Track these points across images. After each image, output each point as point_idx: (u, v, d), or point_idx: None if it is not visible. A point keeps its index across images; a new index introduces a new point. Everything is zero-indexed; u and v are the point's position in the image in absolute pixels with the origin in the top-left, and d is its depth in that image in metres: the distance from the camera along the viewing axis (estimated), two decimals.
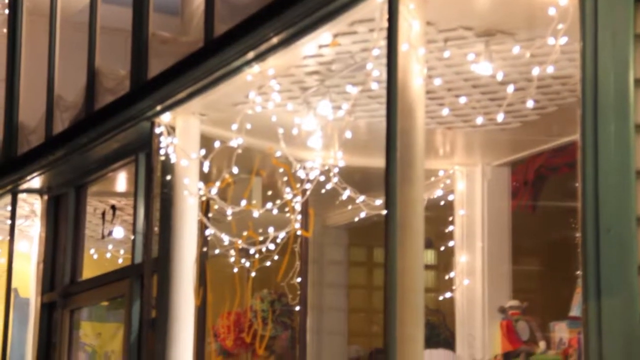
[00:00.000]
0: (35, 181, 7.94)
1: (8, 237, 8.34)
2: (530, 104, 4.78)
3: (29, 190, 8.10)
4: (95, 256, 7.86)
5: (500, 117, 4.93)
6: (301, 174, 5.97)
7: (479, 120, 5.53)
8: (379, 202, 5.69)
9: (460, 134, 6.27)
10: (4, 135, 8.37)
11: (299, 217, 6.03)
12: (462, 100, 5.48)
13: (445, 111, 5.60)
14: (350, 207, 6.18)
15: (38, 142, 7.83)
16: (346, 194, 6.02)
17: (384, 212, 4.75)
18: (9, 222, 8.28)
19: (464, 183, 6.76)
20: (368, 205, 6.05)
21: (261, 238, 6.11)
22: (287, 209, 6.03)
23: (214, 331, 6.65)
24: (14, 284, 8.33)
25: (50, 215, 7.95)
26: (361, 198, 6.06)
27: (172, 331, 6.31)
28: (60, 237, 7.78)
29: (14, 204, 8.23)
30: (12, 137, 8.26)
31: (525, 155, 6.44)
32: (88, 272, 7.67)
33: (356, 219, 6.31)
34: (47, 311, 7.78)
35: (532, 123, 5.88)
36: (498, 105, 5.41)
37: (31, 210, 8.29)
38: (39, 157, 7.71)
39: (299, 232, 6.03)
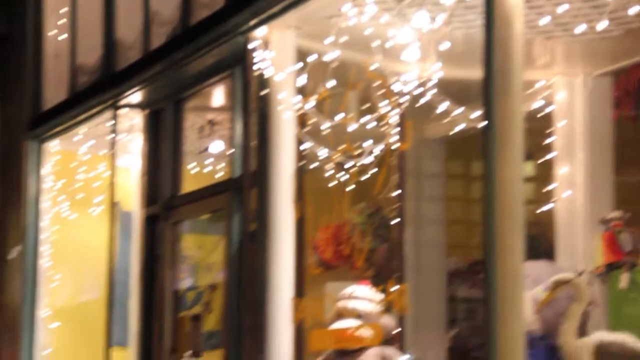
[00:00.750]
0: (135, 96, 7.93)
1: (110, 152, 8.39)
2: (633, 10, 4.59)
3: (129, 106, 8.09)
4: (194, 170, 7.85)
5: (601, 25, 4.75)
6: (397, 86, 5.84)
7: (580, 28, 5.35)
8: (477, 114, 5.54)
9: (560, 44, 6.09)
10: (103, 51, 8.35)
11: (396, 130, 5.91)
12: (562, 8, 5.29)
13: (544, 20, 5.43)
14: (447, 119, 6.04)
15: (136, 57, 7.79)
16: (443, 106, 5.89)
17: (482, 124, 4.63)
18: (111, 137, 8.30)
19: (564, 94, 6.58)
20: (466, 118, 5.91)
21: (358, 152, 6.03)
22: (383, 122, 5.92)
23: (313, 244, 6.61)
24: (117, 198, 8.38)
25: (150, 130, 7.93)
26: (459, 110, 5.92)
27: (272, 244, 6.31)
28: (160, 151, 7.77)
29: (114, 119, 8.24)
30: (111, 53, 8.24)
31: (627, 64, 6.24)
32: (188, 186, 7.67)
33: (454, 132, 6.17)
34: (150, 224, 7.80)
35: (635, 30, 5.66)
36: (600, 12, 5.21)
37: (131, 125, 8.29)
38: (137, 72, 7.68)
39: (395, 145, 5.92)
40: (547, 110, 6.54)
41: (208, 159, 7.74)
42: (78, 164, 9.18)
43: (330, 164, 6.15)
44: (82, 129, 8.88)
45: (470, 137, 5.85)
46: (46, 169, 9.21)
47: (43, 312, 9.10)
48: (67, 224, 9.27)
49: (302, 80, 6.01)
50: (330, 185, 6.17)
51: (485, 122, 4.58)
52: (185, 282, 8.05)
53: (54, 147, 9.25)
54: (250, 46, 6.26)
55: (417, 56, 5.60)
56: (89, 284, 9.28)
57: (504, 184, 4.61)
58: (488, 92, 4.57)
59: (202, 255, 8.39)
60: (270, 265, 6.28)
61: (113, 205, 8.39)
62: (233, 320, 6.71)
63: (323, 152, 6.16)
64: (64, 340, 9.17)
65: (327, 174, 6.18)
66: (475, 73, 4.75)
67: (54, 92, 9.14)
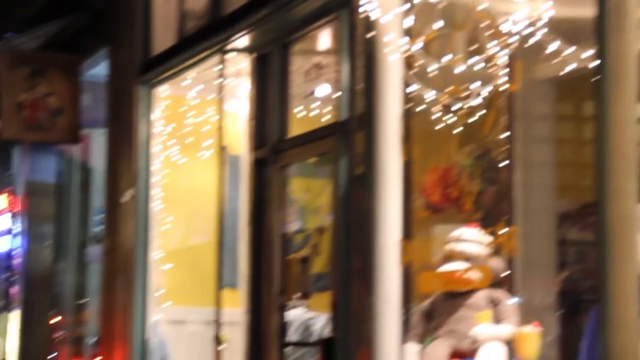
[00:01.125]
0: (242, 41, 7.89)
1: (218, 96, 8.39)
2: None
3: (236, 50, 8.07)
4: (301, 114, 7.80)
5: None
6: (506, 26, 5.69)
7: None
8: (588, 53, 5.36)
9: None
10: None
11: (505, 71, 5.77)
12: None
13: None
14: (558, 59, 5.87)
15: (243, 1, 7.74)
16: (554, 46, 5.72)
17: (594, 63, 4.49)
18: (219, 81, 8.30)
19: None
20: (577, 57, 5.73)
21: (465, 93, 5.91)
22: (491, 63, 5.78)
23: (421, 187, 6.52)
24: (225, 142, 8.39)
25: (257, 74, 7.90)
26: (570, 50, 5.74)
27: (379, 187, 6.25)
28: (268, 95, 7.74)
29: (222, 63, 8.22)
30: None
31: None
32: (295, 129, 7.63)
33: (564, 72, 5.99)
34: (258, 168, 7.80)
35: None
36: None
37: (239, 70, 8.26)
38: (244, 16, 7.64)
39: (504, 87, 5.78)
40: None
41: (315, 102, 7.69)
42: (187, 109, 9.21)
43: (437, 106, 6.04)
44: (191, 74, 8.90)
45: (582, 77, 5.68)
46: (156, 114, 9.26)
47: (155, 254, 9.20)
48: (177, 168, 9.33)
49: (409, 21, 5.89)
50: (438, 127, 6.06)
51: (598, 62, 4.45)
52: (293, 225, 8.05)
53: (163, 92, 9.30)
54: None
55: None
56: (199, 227, 9.35)
57: (616, 125, 4.49)
58: (601, 30, 4.44)
59: (309, 198, 8.37)
60: (378, 208, 6.23)
61: (221, 149, 8.40)
62: (341, 263, 6.69)
63: (430, 95, 6.04)
64: (176, 282, 9.27)
65: (434, 117, 6.07)
66: (587, 11, 4.60)
67: (163, 37, 9.16)
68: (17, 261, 12.43)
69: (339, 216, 6.75)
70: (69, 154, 11.88)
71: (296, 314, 7.95)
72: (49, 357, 11.76)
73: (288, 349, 7.63)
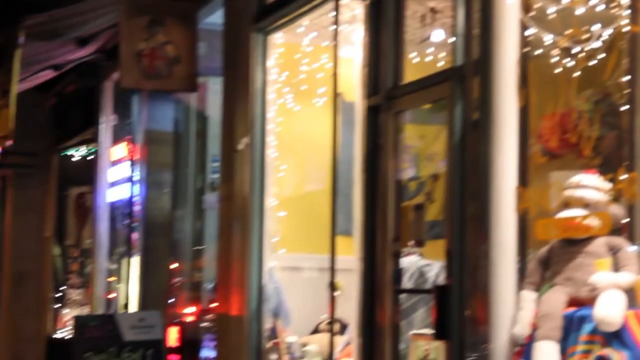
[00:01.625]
0: None
1: (332, 43, 8.29)
2: None
3: None
4: (416, 60, 7.66)
5: None
6: None
7: None
8: None
9: None
10: None
11: (627, 12, 5.53)
12: None
13: None
14: None
15: None
16: None
17: None
18: (333, 28, 8.19)
19: None
20: None
21: (585, 36, 5.69)
22: (613, 4, 5.55)
23: (538, 132, 6.34)
24: (339, 89, 8.31)
25: (371, 20, 7.74)
26: None
27: (495, 133, 6.10)
28: (382, 41, 7.60)
29: (336, 10, 8.11)
30: None
31: None
32: (409, 76, 7.50)
33: None
34: (372, 114, 7.69)
35: None
36: None
37: (353, 16, 8.14)
38: None
39: (626, 28, 5.55)
40: None
41: (429, 47, 7.54)
42: (301, 56, 9.15)
43: (556, 49, 5.85)
44: (305, 21, 8.81)
45: None
46: (271, 62, 9.21)
47: (270, 201, 9.19)
48: (291, 116, 9.29)
49: None
50: (556, 71, 5.88)
51: None
52: (407, 172, 7.94)
53: (278, 39, 9.23)
54: None
55: None
56: (313, 174, 9.32)
57: None
58: None
59: (423, 145, 8.24)
60: (494, 154, 6.08)
61: (335, 96, 8.32)
62: (455, 210, 6.58)
63: (548, 38, 5.85)
64: (291, 229, 9.27)
65: (552, 60, 5.89)
66: None
67: None
68: (137, 208, 12.57)
69: (453, 163, 6.63)
70: (186, 102, 11.93)
71: (410, 261, 7.86)
72: (168, 302, 11.89)
73: (402, 296, 7.56)
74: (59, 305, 15.73)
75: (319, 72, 8.95)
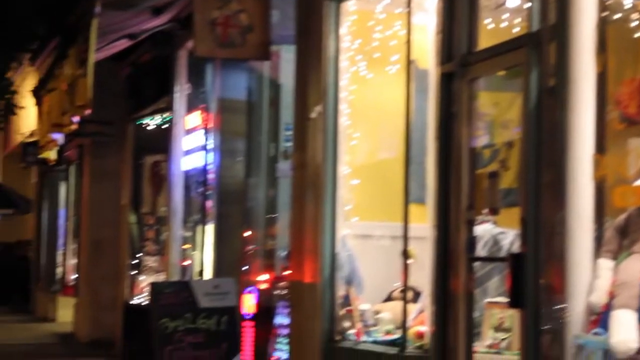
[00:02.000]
0: None
1: (406, 10, 8.19)
2: None
3: None
4: (490, 26, 7.52)
5: None
6: None
7: None
8: None
9: None
10: None
11: None
12: None
13: None
14: None
15: None
16: None
17: None
18: None
19: None
20: None
21: None
22: None
23: (616, 99, 6.20)
24: (412, 56, 8.21)
25: None
26: None
27: (571, 99, 5.99)
28: (456, 7, 7.47)
29: None
30: None
31: None
32: (483, 42, 7.36)
33: None
34: (446, 81, 7.57)
35: None
36: None
37: None
38: None
39: None
40: None
41: (504, 13, 7.39)
42: (374, 23, 9.05)
43: (635, 13, 5.71)
44: None
45: None
46: (344, 29, 9.12)
47: (343, 169, 9.13)
48: (364, 83, 9.20)
49: None
50: (636, 36, 5.73)
51: None
52: (481, 140, 7.84)
53: (351, 6, 9.14)
54: None
55: None
56: (386, 142, 9.24)
57: None
58: None
59: (498, 112, 8.12)
60: (570, 121, 5.97)
61: (409, 63, 8.23)
62: (530, 177, 6.47)
63: (628, 1, 5.71)
64: (364, 197, 9.21)
65: (632, 25, 5.74)
66: None
67: None
68: (211, 176, 12.60)
69: (529, 130, 6.50)
70: (259, 70, 11.90)
71: (484, 229, 7.76)
72: (241, 270, 11.92)
73: (476, 264, 7.47)
74: (136, 272, 15.88)
75: (392, 39, 8.84)
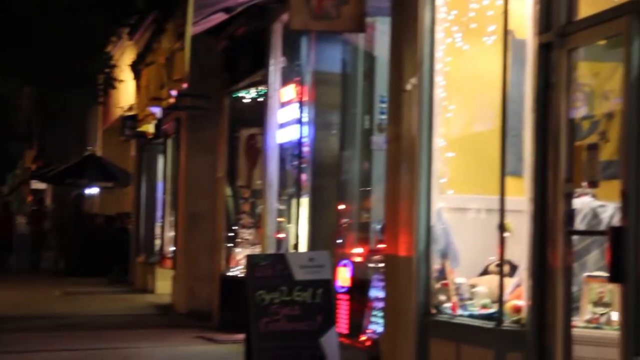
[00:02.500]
0: None
1: None
2: None
3: None
4: None
5: None
6: None
7: None
8: None
9: None
10: None
11: None
12: None
13: None
14: None
15: None
16: None
17: None
18: None
19: None
20: None
21: None
22: None
23: None
24: (510, 26, 8.03)
25: None
26: None
27: None
28: None
29: None
30: None
31: None
32: (583, 11, 7.16)
33: None
34: (544, 52, 7.39)
35: None
36: None
37: None
38: None
39: None
40: None
41: None
42: None
43: None
44: None
45: None
46: (439, 0, 8.97)
47: (438, 142, 9.00)
48: (460, 55, 9.04)
49: None
50: None
51: None
52: (580, 111, 7.64)
53: None
54: None
55: None
56: (482, 114, 9.08)
57: None
58: None
59: (598, 82, 7.91)
60: None
61: (506, 34, 8.05)
62: (632, 150, 6.29)
63: None
64: (459, 170, 9.07)
65: None
66: None
67: None
68: (305, 149, 12.56)
69: (630, 101, 6.32)
70: (354, 43, 11.79)
71: (583, 202, 7.58)
72: (336, 243, 11.87)
73: (574, 238, 7.30)
74: (232, 244, 15.95)
75: (489, 9, 8.66)
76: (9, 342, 13.47)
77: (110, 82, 20.07)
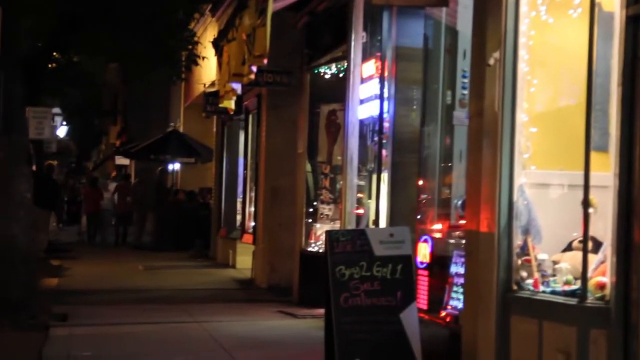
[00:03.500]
0: None
1: None
2: None
3: None
4: None
5: None
6: None
7: None
8: None
9: None
10: None
11: None
12: None
13: None
14: None
15: None
16: None
17: None
18: None
19: None
20: None
21: None
22: None
23: None
24: None
25: None
26: None
27: None
28: None
29: None
30: None
31: None
32: None
33: None
34: (632, 24, 7.18)
35: None
36: None
37: None
38: None
39: None
40: None
41: None
42: None
43: None
44: None
45: None
46: None
47: (521, 117, 8.83)
48: (545, 28, 8.83)
49: None
50: None
51: None
52: None
53: None
54: None
55: None
56: (566, 89, 8.88)
57: None
58: None
59: None
60: None
61: (593, 6, 7.84)
62: None
63: None
64: (542, 145, 8.89)
65: None
66: None
67: None
68: (386, 125, 12.44)
69: None
70: (436, 17, 11.61)
71: None
72: (416, 218, 11.76)
73: None
74: (311, 220, 15.92)
75: None
76: (96, 315, 13.62)
77: (193, 59, 20.15)
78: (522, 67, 8.81)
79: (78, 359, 10.37)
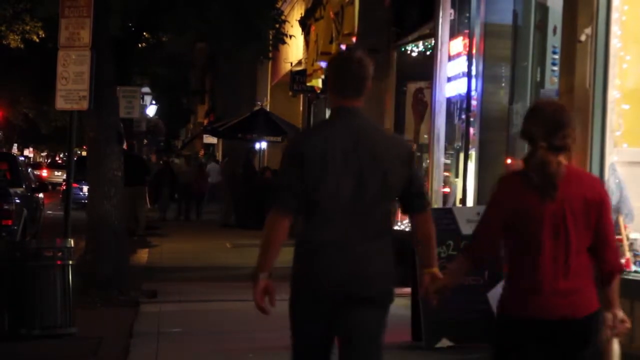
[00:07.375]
0: None
1: None
2: None
3: None
4: None
5: None
6: None
7: None
8: None
9: None
10: None
11: None
12: None
13: None
14: None
15: None
16: None
17: None
18: None
19: None
20: None
21: None
22: None
23: None
24: None
25: None
26: None
27: None
28: None
29: None
30: None
31: None
32: None
33: None
34: None
35: None
36: None
37: None
38: None
39: None
40: None
41: None
42: None
43: None
44: None
45: None
46: None
47: (613, 94, 8.63)
48: (638, 3, 8.62)
49: None
50: None
51: None
52: None
53: None
54: None
55: None
56: None
57: None
58: None
59: None
60: None
61: None
62: None
63: None
64: (635, 123, 8.70)
65: None
66: None
67: None
68: (474, 103, 12.28)
69: None
70: None
71: None
72: None
73: None
74: None
75: None
76: (184, 292, 13.71)
77: (280, 38, 20.13)
78: (615, 42, 8.61)
79: (168, 335, 10.43)
